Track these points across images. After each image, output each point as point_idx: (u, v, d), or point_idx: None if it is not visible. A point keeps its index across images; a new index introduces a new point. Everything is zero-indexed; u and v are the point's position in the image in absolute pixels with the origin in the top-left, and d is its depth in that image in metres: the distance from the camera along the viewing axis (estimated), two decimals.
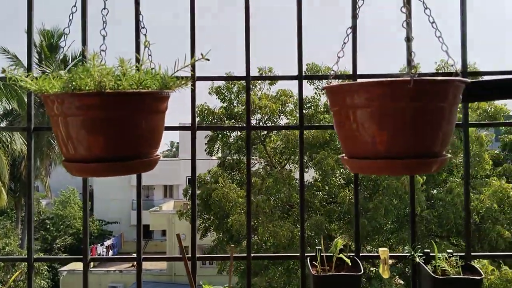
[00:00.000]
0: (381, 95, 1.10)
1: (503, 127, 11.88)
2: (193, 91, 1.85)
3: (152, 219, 23.18)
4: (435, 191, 9.94)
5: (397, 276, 10.69)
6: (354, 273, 1.66)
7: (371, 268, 11.20)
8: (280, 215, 10.60)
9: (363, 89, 1.15)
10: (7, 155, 17.06)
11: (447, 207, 9.13)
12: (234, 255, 1.86)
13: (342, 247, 1.79)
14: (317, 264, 1.74)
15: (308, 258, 1.78)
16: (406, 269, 10.04)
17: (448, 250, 1.81)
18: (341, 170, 10.33)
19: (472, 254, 1.81)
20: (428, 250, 1.81)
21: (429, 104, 1.10)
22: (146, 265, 22.79)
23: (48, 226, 22.70)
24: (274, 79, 11.03)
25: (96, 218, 25.12)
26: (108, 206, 26.30)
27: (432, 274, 1.65)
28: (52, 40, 18.96)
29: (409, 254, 1.83)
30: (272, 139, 12.14)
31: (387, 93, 1.10)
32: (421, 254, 1.81)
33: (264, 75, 10.73)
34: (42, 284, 15.89)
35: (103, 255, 22.99)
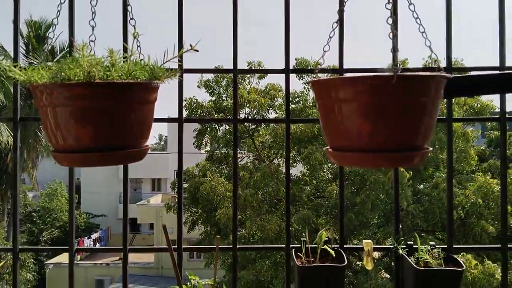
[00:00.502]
0: (365, 90, 1.13)
1: (489, 124, 12.03)
2: (180, 83, 1.86)
3: (140, 212, 23.13)
4: (421, 186, 10.06)
5: (383, 270, 10.80)
6: (338, 264, 1.70)
7: (358, 262, 11.32)
8: (267, 209, 10.65)
9: (347, 84, 1.17)
10: None
11: (433, 202, 9.23)
12: (220, 246, 1.89)
13: (326, 238, 1.83)
14: (302, 256, 1.77)
15: (293, 250, 1.81)
16: (392, 263, 10.16)
17: (431, 243, 1.85)
18: (328, 165, 10.40)
19: (454, 246, 1.85)
20: (411, 243, 1.85)
21: (411, 99, 1.13)
22: (133, 258, 22.74)
23: (34, 219, 22.54)
24: (261, 72, 11.05)
25: (83, 211, 24.99)
26: (95, 199, 26.17)
27: (414, 265, 1.69)
28: (39, 31, 18.73)
29: (392, 246, 1.87)
30: (261, 133, 12.17)
31: (370, 88, 1.12)
32: (404, 246, 1.85)
33: (252, 68, 10.73)
34: (28, 277, 15.78)
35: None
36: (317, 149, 9.61)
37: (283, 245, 1.88)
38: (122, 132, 1.21)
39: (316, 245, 1.80)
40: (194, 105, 11.50)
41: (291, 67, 1.97)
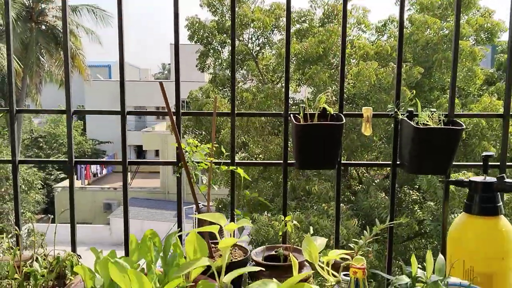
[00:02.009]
0: None
1: (499, 47, 11.74)
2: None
3: (145, 139, 23.38)
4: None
5: (384, 193, 11.01)
6: (336, 122, 1.68)
7: (358, 184, 11.52)
8: (270, 131, 10.68)
9: None
10: None
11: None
12: (217, 111, 1.87)
13: (325, 104, 1.80)
14: (300, 118, 1.75)
15: (291, 115, 1.79)
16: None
17: (432, 109, 1.82)
18: (333, 87, 10.29)
19: (455, 113, 1.82)
20: (412, 109, 1.82)
21: None
22: (140, 183, 23.30)
23: (41, 145, 22.85)
24: None
25: (89, 137, 25.27)
26: (101, 126, 26.35)
27: (414, 125, 1.67)
28: None
29: (392, 112, 1.84)
30: (265, 56, 11.96)
31: None
32: (404, 112, 1.82)
33: None
34: (36, 198, 16.24)
35: (97, 174, 23.42)
36: (322, 69, 9.46)
37: (282, 112, 1.86)
38: None
39: (314, 112, 1.78)
40: (197, 24, 11.20)
41: None
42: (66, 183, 19.98)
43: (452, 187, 8.25)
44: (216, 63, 11.87)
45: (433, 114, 1.77)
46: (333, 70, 9.90)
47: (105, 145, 26.52)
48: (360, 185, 11.29)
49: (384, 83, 8.82)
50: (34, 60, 18.74)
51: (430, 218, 9.12)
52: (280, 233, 1.82)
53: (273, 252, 1.83)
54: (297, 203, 9.79)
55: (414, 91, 8.49)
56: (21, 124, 19.38)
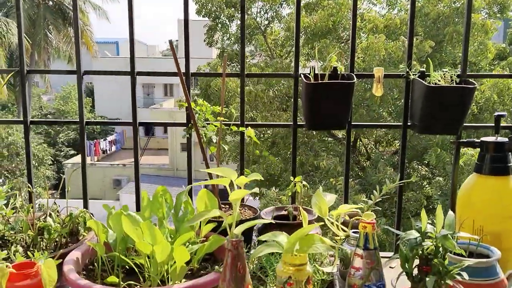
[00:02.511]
0: None
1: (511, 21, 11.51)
2: None
3: (152, 116, 23.38)
4: None
5: (392, 168, 10.99)
6: (347, 80, 1.66)
7: (366, 160, 11.50)
8: (278, 106, 10.64)
9: None
10: (4, 46, 16.75)
11: None
12: (227, 72, 1.86)
13: (336, 63, 1.78)
14: (310, 77, 1.74)
15: (302, 75, 1.77)
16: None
17: (444, 69, 1.79)
18: (343, 62, 10.16)
19: (467, 73, 1.80)
20: (424, 69, 1.80)
21: None
22: (149, 159, 23.43)
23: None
24: None
25: (98, 115, 25.34)
26: (109, 103, 26.39)
27: (426, 84, 1.66)
28: None
29: (403, 73, 1.83)
30: (273, 30, 11.83)
31: None
32: (416, 72, 1.80)
33: None
34: (47, 174, 16.42)
35: (106, 151, 23.57)
36: (331, 43, 9.36)
37: (292, 73, 1.85)
38: None
39: (325, 73, 1.76)
40: None
41: None
42: (76, 159, 20.17)
43: (461, 162, 8.20)
44: (224, 37, 11.77)
45: (445, 74, 1.75)
46: (342, 44, 9.79)
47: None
48: (369, 161, 11.26)
49: (394, 57, 8.72)
50: (42, 36, 18.71)
51: (438, 193, 9.12)
52: (290, 194, 1.83)
53: (283, 212, 1.84)
54: (305, 178, 9.78)
55: (425, 65, 8.38)
56: (30, 88, 19.40)
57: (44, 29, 18.76)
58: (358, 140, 11.66)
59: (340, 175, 9.06)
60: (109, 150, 23.72)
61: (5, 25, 15.79)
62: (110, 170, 21.92)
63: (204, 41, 12.11)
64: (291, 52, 11.64)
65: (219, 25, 11.57)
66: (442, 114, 1.65)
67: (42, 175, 16.03)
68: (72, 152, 22.10)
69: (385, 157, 10.66)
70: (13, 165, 14.97)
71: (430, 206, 9.89)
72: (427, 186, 9.66)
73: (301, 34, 10.15)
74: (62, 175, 20.41)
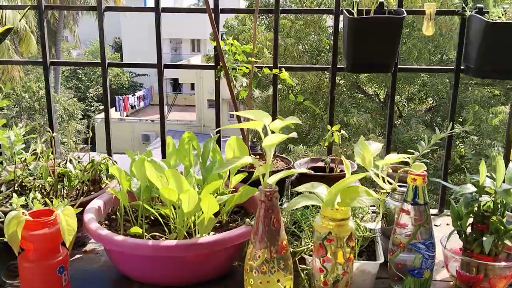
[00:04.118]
0: None
1: None
2: None
3: (180, 72, 23.24)
4: None
5: (425, 126, 10.66)
6: (395, 15, 1.47)
7: (398, 118, 11.17)
8: (308, 61, 10.33)
9: None
10: (32, 1, 16.72)
11: None
12: (260, 8, 1.69)
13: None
14: (354, 12, 1.55)
15: (344, 10, 1.58)
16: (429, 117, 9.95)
17: (504, 6, 1.58)
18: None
19: None
20: (482, 5, 1.58)
21: None
22: (176, 116, 23.52)
23: (80, 76, 23.09)
24: None
25: (126, 70, 25.35)
26: (137, 59, 26.33)
27: (485, 19, 1.45)
28: None
29: (459, 9, 1.61)
30: None
31: None
32: (473, 8, 1.59)
33: None
34: (77, 128, 16.66)
35: (135, 106, 23.71)
36: None
37: (332, 9, 1.66)
38: None
39: (371, 6, 1.57)
40: None
41: None
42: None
43: (496, 121, 7.84)
44: None
45: (505, 10, 1.53)
46: None
47: (142, 78, 26.63)
48: (400, 119, 10.94)
49: None
50: None
51: (472, 153, 8.81)
52: (326, 144, 1.68)
53: (318, 164, 1.70)
54: None
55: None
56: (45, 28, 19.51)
57: None
58: (395, 97, 11.30)
59: (370, 132, 8.83)
60: (137, 106, 23.85)
61: None
62: (138, 125, 22.11)
63: None
64: (322, 3, 11.20)
65: None
66: (505, 56, 1.45)
67: (73, 129, 16.26)
68: (102, 107, 22.34)
69: (417, 114, 10.32)
70: (45, 119, 15.20)
71: (462, 166, 9.60)
72: (460, 145, 9.36)
73: None
74: (92, 130, 20.75)
